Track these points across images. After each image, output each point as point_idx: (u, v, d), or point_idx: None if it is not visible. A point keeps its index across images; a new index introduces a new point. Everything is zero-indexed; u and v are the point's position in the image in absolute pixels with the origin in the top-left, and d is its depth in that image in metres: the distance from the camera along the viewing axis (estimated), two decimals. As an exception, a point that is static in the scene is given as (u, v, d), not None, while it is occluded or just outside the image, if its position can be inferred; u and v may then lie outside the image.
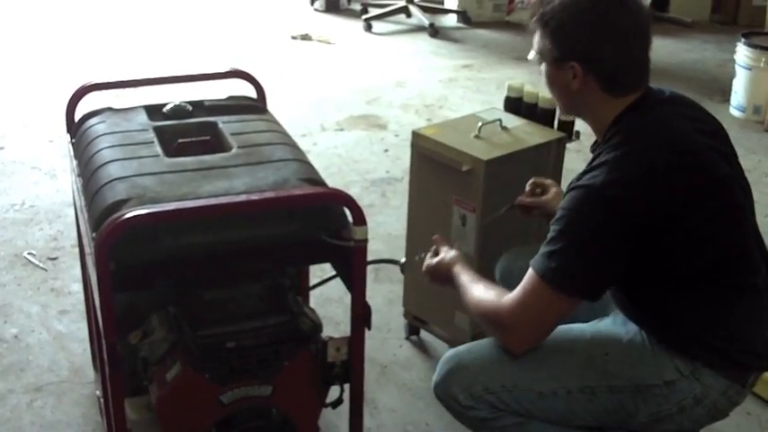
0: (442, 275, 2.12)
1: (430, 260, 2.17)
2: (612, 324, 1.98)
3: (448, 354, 2.03)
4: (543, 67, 1.94)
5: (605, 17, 1.84)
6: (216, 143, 2.22)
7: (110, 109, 2.38)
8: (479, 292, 1.96)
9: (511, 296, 1.86)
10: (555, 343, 1.92)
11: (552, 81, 1.94)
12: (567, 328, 1.97)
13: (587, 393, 1.90)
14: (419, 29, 6.65)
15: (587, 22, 1.85)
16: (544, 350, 1.92)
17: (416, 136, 2.68)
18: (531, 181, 2.34)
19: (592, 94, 1.88)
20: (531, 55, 1.97)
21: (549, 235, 1.82)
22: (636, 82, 1.90)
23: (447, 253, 2.14)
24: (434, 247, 2.20)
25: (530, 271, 1.83)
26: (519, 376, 1.91)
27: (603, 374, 1.90)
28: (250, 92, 2.54)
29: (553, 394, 1.91)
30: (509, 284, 1.93)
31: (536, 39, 1.94)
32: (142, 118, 2.30)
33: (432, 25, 6.51)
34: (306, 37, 6.35)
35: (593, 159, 1.88)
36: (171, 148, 2.15)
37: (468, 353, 2.00)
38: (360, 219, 1.90)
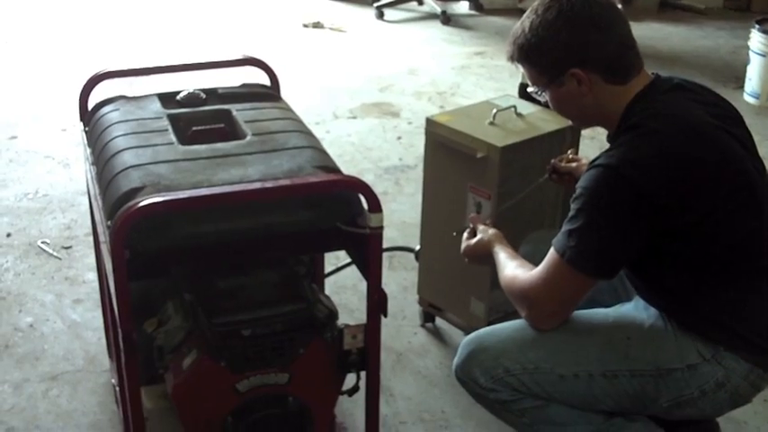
0: (482, 255, 2.14)
1: (468, 241, 2.19)
2: (635, 308, 1.99)
3: (468, 337, 2.04)
4: (547, 94, 1.96)
5: (578, 16, 1.86)
6: (230, 131, 2.21)
7: (123, 97, 2.38)
8: (510, 269, 1.99)
9: (534, 272, 1.90)
10: (577, 326, 1.95)
11: (561, 100, 1.96)
12: (589, 313, 1.98)
13: (609, 377, 1.90)
14: (431, 16, 6.63)
15: (564, 28, 1.87)
16: (566, 333, 1.94)
17: (430, 123, 2.66)
18: (570, 150, 2.39)
19: (599, 90, 1.89)
20: (531, 89, 1.99)
21: (570, 213, 1.85)
22: (633, 63, 1.91)
23: (485, 232, 2.16)
24: (471, 226, 2.22)
25: (551, 249, 1.86)
26: (540, 359, 1.92)
27: (625, 358, 1.90)
28: (263, 80, 2.53)
29: (574, 377, 1.91)
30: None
31: (525, 73, 1.97)
32: (156, 106, 2.29)
33: (444, 12, 6.49)
34: (318, 25, 6.33)
35: (611, 146, 1.88)
36: (185, 136, 2.15)
37: (489, 335, 2.01)
38: (375, 206, 1.89)
